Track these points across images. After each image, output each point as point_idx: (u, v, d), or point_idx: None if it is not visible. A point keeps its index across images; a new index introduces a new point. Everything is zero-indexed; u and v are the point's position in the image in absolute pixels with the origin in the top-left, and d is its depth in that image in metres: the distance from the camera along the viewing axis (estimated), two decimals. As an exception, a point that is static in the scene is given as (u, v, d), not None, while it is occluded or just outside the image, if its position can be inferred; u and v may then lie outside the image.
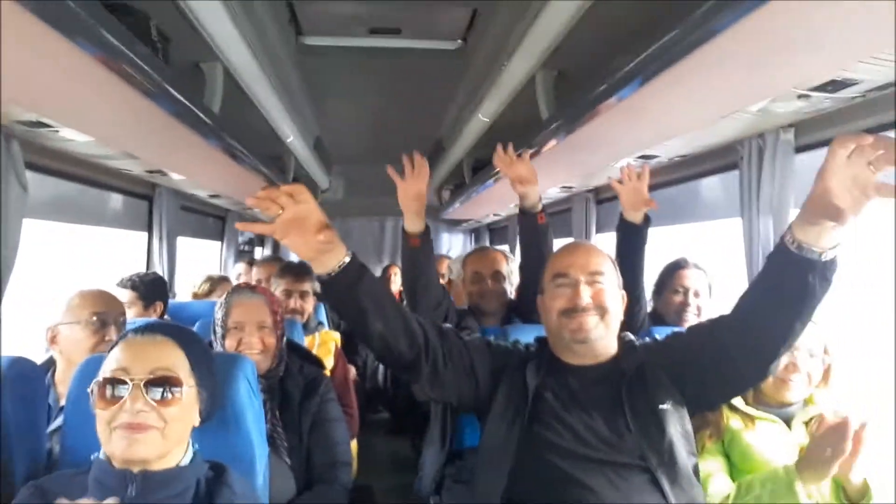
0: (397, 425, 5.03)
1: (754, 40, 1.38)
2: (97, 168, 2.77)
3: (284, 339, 2.01)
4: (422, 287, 2.23)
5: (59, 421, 1.73)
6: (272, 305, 1.96)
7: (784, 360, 1.63)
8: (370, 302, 1.41)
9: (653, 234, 2.22)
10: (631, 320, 1.99)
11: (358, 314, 1.42)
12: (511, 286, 2.58)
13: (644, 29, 1.62)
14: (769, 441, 1.65)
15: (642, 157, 2.66)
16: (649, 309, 2.45)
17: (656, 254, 2.43)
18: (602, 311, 1.53)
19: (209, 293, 3.80)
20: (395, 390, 4.77)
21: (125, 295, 2.85)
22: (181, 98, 1.88)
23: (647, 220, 2.20)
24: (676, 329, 1.74)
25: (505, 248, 4.77)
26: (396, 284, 6.32)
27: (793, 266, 1.28)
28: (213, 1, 1.68)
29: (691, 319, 2.33)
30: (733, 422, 1.70)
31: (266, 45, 2.43)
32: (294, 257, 4.64)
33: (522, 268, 2.42)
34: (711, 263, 2.51)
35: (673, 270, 2.44)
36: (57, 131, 2.05)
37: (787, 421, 1.70)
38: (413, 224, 2.18)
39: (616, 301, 1.58)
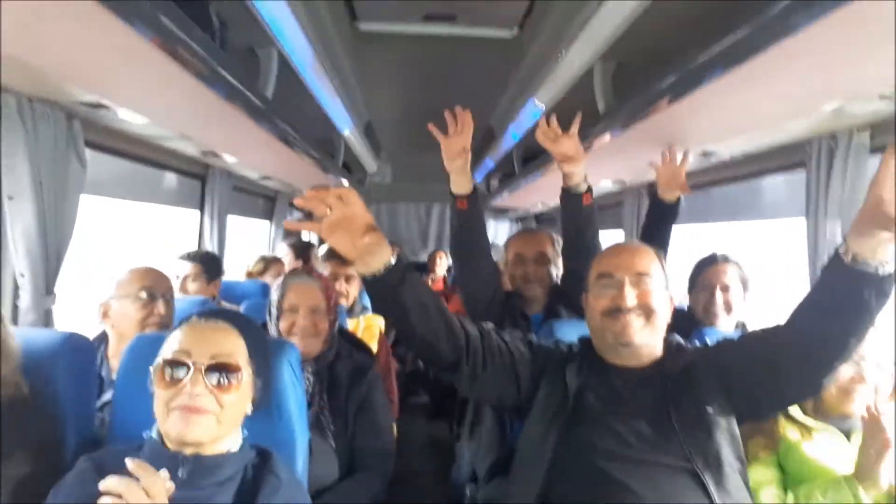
0: (436, 409, 5.06)
1: (834, 39, 1.30)
2: (153, 147, 2.82)
3: (336, 324, 2.02)
4: (471, 255, 2.16)
5: (109, 394, 1.78)
6: (326, 291, 1.99)
7: (850, 370, 1.57)
8: (413, 303, 1.41)
9: (709, 229, 2.16)
10: None
11: (400, 315, 1.42)
12: (557, 270, 2.43)
13: (709, 23, 1.55)
14: (828, 452, 1.59)
15: (702, 153, 2.56)
16: (684, 307, 2.41)
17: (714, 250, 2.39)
18: (648, 312, 1.50)
19: (263, 272, 3.90)
20: (435, 374, 4.79)
21: (189, 268, 2.96)
22: (235, 83, 1.89)
23: (678, 200, 2.34)
24: (725, 334, 1.69)
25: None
26: (442, 269, 6.34)
27: (847, 279, 1.24)
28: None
29: (720, 315, 2.26)
30: (790, 432, 1.64)
31: (320, 30, 2.41)
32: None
33: (564, 253, 2.30)
34: (774, 263, 2.42)
35: (702, 267, 2.38)
36: (115, 112, 2.09)
37: (848, 434, 1.63)
38: (459, 185, 2.10)
39: (663, 302, 1.53)
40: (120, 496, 1.05)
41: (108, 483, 1.06)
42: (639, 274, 1.53)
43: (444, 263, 6.32)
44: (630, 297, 1.50)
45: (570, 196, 2.15)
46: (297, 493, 1.33)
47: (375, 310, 1.54)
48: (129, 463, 1.08)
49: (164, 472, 1.11)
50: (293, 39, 2.13)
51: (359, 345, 2.23)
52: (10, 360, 1.39)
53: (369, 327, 2.99)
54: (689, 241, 3.12)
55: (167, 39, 1.44)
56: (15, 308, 2.00)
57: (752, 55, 1.41)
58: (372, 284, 1.39)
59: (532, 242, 2.42)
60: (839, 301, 1.27)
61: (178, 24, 1.44)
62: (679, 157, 2.38)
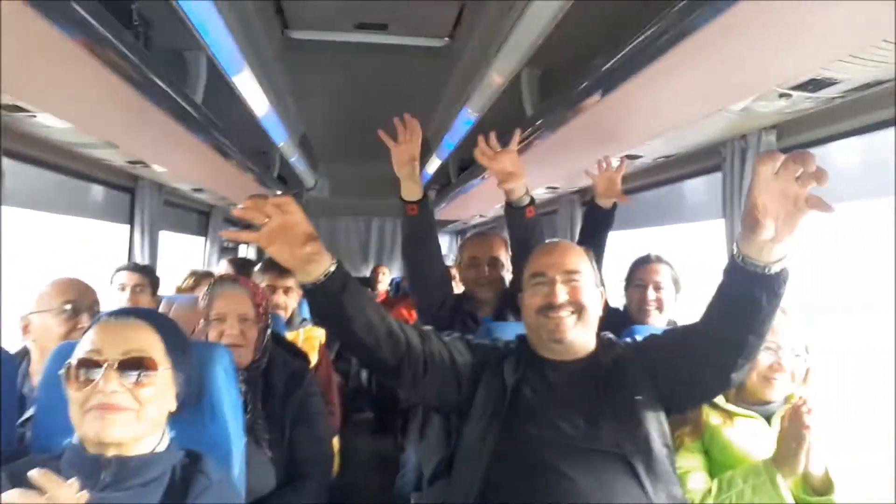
0: (380, 424, 5.03)
1: (733, 37, 1.39)
2: (77, 157, 2.73)
3: (269, 331, 1.99)
4: (422, 260, 2.18)
5: (32, 410, 1.71)
6: (255, 297, 1.94)
7: (769, 359, 1.66)
8: (355, 310, 1.41)
9: (637, 235, 2.25)
10: None
11: (342, 322, 1.42)
12: (509, 274, 2.46)
13: (626, 27, 1.62)
14: (749, 437, 1.66)
15: (626, 157, 2.67)
16: (621, 306, 2.50)
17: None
18: (579, 308, 1.55)
19: (193, 288, 3.79)
20: (379, 390, 4.76)
21: (137, 278, 2.85)
22: (163, 86, 1.86)
23: (613, 207, 2.40)
24: (654, 330, 1.76)
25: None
26: (384, 284, 6.31)
27: (740, 279, 1.30)
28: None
29: (653, 313, 2.36)
30: (713, 418, 1.71)
31: (250, 36, 2.40)
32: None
33: (512, 261, 2.34)
34: (698, 265, 2.53)
35: (637, 266, 2.47)
36: (34, 116, 2.02)
37: (768, 418, 1.71)
38: (409, 191, 2.13)
39: (593, 298, 1.59)
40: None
41: (9, 496, 1.01)
42: (568, 272, 1.58)
43: (386, 279, 6.30)
44: (561, 294, 1.54)
45: (513, 209, 2.20)
46: (229, 495, 1.30)
47: (316, 318, 1.54)
48: (33, 473, 1.02)
49: (73, 481, 1.05)
50: (222, 44, 2.11)
51: (294, 351, 2.20)
52: None
53: (309, 339, 2.93)
54: (622, 245, 3.23)
55: (90, 37, 1.41)
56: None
57: (659, 55, 1.49)
58: (313, 293, 1.39)
59: (486, 245, 2.46)
60: (735, 300, 1.34)
61: (101, 21, 1.41)
62: (615, 163, 2.45)
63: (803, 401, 1.49)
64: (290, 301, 3.01)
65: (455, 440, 2.12)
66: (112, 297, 2.77)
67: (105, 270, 2.99)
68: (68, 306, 1.95)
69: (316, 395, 2.01)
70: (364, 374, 4.88)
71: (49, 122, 2.13)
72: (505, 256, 2.43)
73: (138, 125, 2.26)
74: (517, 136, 2.14)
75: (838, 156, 1.99)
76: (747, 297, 1.30)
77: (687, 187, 2.95)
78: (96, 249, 3.81)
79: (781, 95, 1.71)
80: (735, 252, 1.29)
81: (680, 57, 1.49)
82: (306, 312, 3.61)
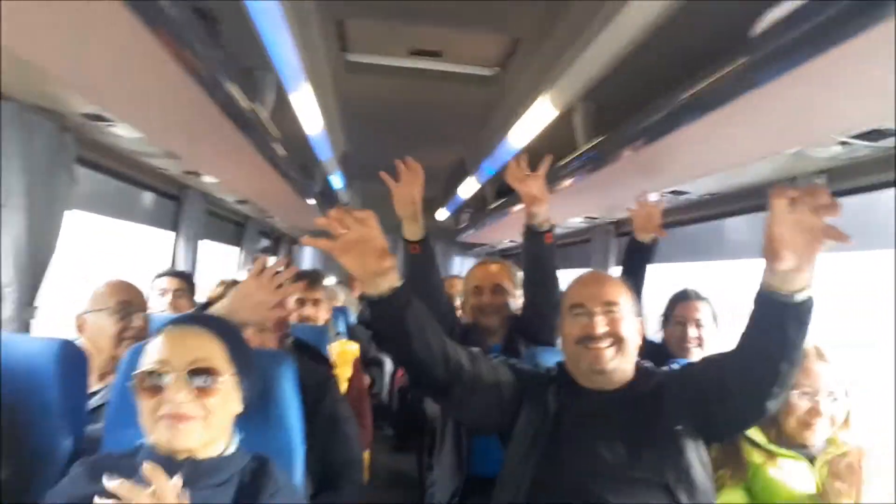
0: (402, 442, 5.02)
1: (797, 90, 1.42)
2: (136, 165, 2.83)
3: (288, 339, 2.01)
4: (425, 297, 2.19)
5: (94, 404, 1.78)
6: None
7: (806, 404, 1.67)
8: (415, 327, 1.45)
9: (678, 268, 2.27)
10: None
11: (402, 337, 1.46)
12: (515, 301, 2.42)
13: (689, 69, 1.68)
14: (793, 477, 1.66)
15: (672, 192, 2.70)
16: (658, 340, 2.51)
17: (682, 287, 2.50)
18: (618, 339, 1.57)
19: (223, 296, 3.85)
20: (401, 407, 4.76)
21: (176, 283, 2.94)
22: (236, 96, 1.94)
23: (654, 241, 2.40)
24: (691, 361, 1.78)
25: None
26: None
27: (767, 308, 1.34)
28: (274, 7, 1.74)
29: (693, 350, 2.36)
30: (755, 458, 1.72)
31: (313, 57, 2.50)
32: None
33: (525, 287, 2.32)
34: (739, 302, 2.54)
35: (675, 302, 2.48)
36: (113, 125, 2.11)
37: (811, 461, 1.71)
38: (411, 231, 2.15)
39: (632, 329, 1.61)
40: (127, 499, 1.04)
41: (114, 485, 1.04)
42: (608, 303, 1.60)
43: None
44: (600, 326, 1.56)
45: (533, 234, 2.19)
46: (295, 499, 1.34)
47: (377, 331, 1.58)
48: (146, 466, 1.07)
49: (177, 478, 1.10)
50: (287, 63, 2.20)
51: (317, 356, 2.22)
52: None
53: (343, 353, 2.99)
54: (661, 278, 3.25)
55: (181, 44, 1.48)
56: (-5, 318, 1.98)
57: (718, 104, 1.54)
58: (377, 306, 1.43)
59: (489, 273, 2.45)
60: (764, 329, 1.37)
61: (193, 33, 1.50)
62: (654, 199, 2.46)
63: (859, 454, 1.50)
64: (319, 313, 3.05)
65: (469, 467, 2.17)
66: (153, 300, 2.83)
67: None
68: (121, 307, 2.01)
69: (343, 401, 2.03)
70: (385, 392, 4.89)
71: (122, 132, 2.22)
72: (509, 283, 2.41)
73: (203, 137, 2.35)
74: (547, 162, 2.16)
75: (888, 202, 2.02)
76: (775, 326, 1.33)
77: (729, 224, 2.98)
78: (137, 255, 3.90)
79: (841, 143, 1.74)
80: (762, 283, 1.33)
81: (739, 107, 1.54)
82: (341, 326, 3.68)
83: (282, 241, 6.56)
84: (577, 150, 2.56)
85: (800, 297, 1.29)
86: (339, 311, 4.02)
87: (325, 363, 2.21)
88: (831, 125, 1.59)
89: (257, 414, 1.44)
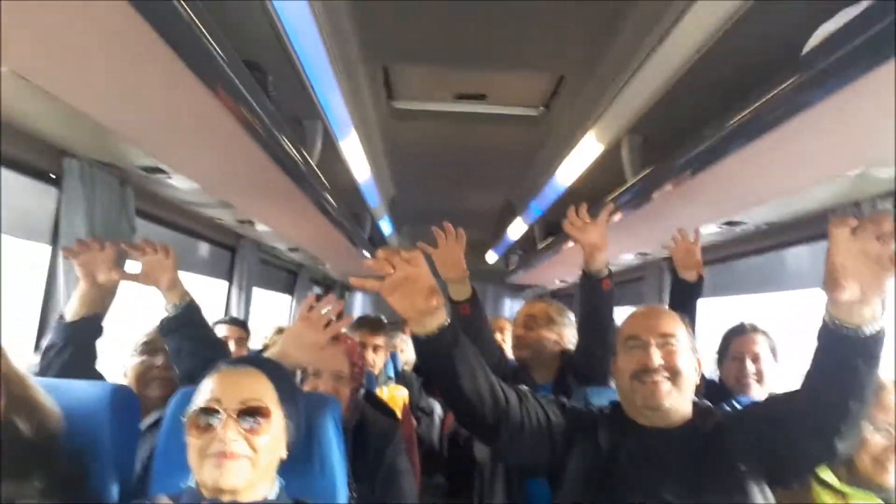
0: (454, 488, 4.91)
1: (851, 107, 1.37)
2: (193, 217, 2.93)
3: (362, 391, 2.01)
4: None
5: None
6: (352, 356, 1.96)
7: (882, 441, 1.56)
8: (464, 366, 1.44)
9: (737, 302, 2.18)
10: None
11: (450, 376, 1.45)
12: (560, 338, 2.41)
13: (736, 95, 1.64)
14: None
15: (727, 223, 2.63)
16: (716, 377, 2.42)
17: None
18: (674, 373, 1.52)
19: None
20: (452, 452, 4.68)
21: (236, 332, 3.01)
22: (287, 147, 1.99)
23: (700, 280, 2.34)
24: (752, 398, 1.69)
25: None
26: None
27: (833, 342, 1.27)
28: (320, 58, 1.81)
29: (753, 385, 2.25)
30: (826, 499, 1.60)
31: (360, 105, 2.57)
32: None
33: (580, 331, 2.29)
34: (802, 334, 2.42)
35: (731, 337, 2.38)
36: (169, 177, 2.20)
37: (887, 502, 1.59)
38: (459, 292, 2.16)
39: (689, 364, 1.56)
40: None
41: None
42: (664, 335, 1.56)
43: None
44: (656, 358, 1.52)
45: (590, 280, 2.16)
46: None
47: (425, 370, 1.57)
48: None
49: None
50: (336, 112, 2.26)
51: (384, 409, 2.22)
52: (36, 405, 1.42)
53: (393, 398, 2.98)
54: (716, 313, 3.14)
55: (238, 102, 1.54)
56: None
57: (769, 129, 1.49)
58: (426, 345, 1.43)
59: (533, 311, 2.46)
60: (831, 364, 1.30)
61: (248, 89, 1.55)
62: (691, 235, 2.40)
63: None
64: (378, 359, 3.08)
65: None
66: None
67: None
68: (146, 347, 2.05)
69: (403, 454, 2.01)
70: (436, 438, 4.82)
71: (178, 184, 2.31)
72: (545, 319, 2.40)
73: (255, 186, 2.42)
74: (608, 209, 2.13)
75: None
76: (842, 360, 1.26)
77: (790, 254, 2.86)
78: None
79: (901, 164, 1.66)
80: (826, 316, 1.26)
81: (791, 130, 1.48)
82: (391, 371, 3.66)
83: (334, 288, 6.65)
84: (626, 184, 2.52)
85: (868, 331, 1.22)
86: (389, 356, 4.01)
87: (391, 414, 2.19)
88: (892, 142, 1.52)
89: (301, 458, 1.44)
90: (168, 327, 1.88)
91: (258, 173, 2.11)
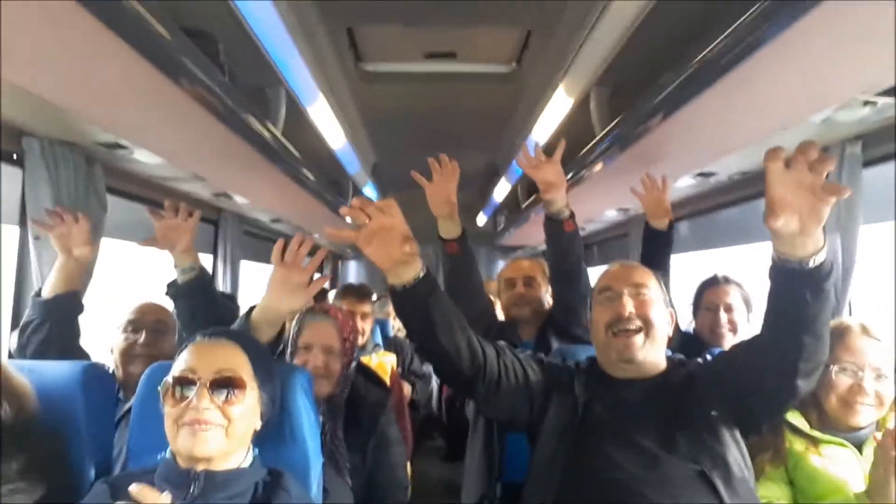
0: (451, 452, 5.01)
1: (808, 45, 1.36)
2: (168, 191, 2.91)
3: (351, 365, 2.01)
4: (464, 295, 2.18)
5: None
6: (342, 331, 1.96)
7: (847, 381, 1.59)
8: (440, 316, 1.45)
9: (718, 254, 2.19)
10: None
11: (426, 327, 1.46)
12: (547, 298, 2.44)
13: (697, 40, 1.61)
14: (839, 465, 1.56)
15: (701, 174, 2.61)
16: (691, 330, 2.45)
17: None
18: (647, 323, 1.55)
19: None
20: (450, 417, 4.76)
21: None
22: (248, 120, 1.97)
23: (671, 227, 2.35)
24: (722, 350, 1.71)
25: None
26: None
27: (781, 278, 1.29)
28: (276, 24, 1.76)
29: (726, 335, 2.29)
30: (797, 445, 1.62)
31: (326, 69, 2.52)
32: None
33: (552, 280, 2.32)
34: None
35: (704, 289, 2.41)
36: (132, 152, 2.17)
37: (860, 446, 1.61)
38: (448, 229, 2.15)
39: (661, 315, 1.58)
40: None
41: None
42: (636, 285, 1.59)
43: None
44: (629, 306, 1.55)
45: (552, 223, 2.17)
46: None
47: (402, 321, 1.58)
48: (132, 488, 1.11)
49: (166, 494, 1.13)
50: (300, 79, 2.22)
51: (375, 380, 2.24)
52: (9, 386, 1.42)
53: (381, 365, 3.01)
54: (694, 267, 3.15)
55: (184, 76, 1.52)
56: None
57: (730, 68, 1.47)
58: (402, 296, 1.44)
59: (520, 268, 2.47)
60: (782, 302, 1.32)
61: (195, 61, 1.52)
62: (660, 182, 2.41)
63: (891, 429, 1.40)
64: (365, 326, 3.09)
65: (500, 470, 2.12)
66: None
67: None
68: (130, 326, 2.05)
69: (394, 424, 2.04)
70: (435, 402, 4.89)
71: (144, 158, 2.28)
72: (542, 278, 2.42)
73: (224, 158, 2.39)
74: (562, 147, 2.12)
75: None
76: (791, 295, 1.28)
77: (763, 204, 2.85)
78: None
79: (866, 103, 1.64)
80: (773, 254, 1.28)
81: (752, 68, 1.47)
82: (379, 338, 3.69)
83: (326, 258, 6.65)
84: (596, 138, 2.49)
85: (812, 263, 1.23)
86: (377, 323, 4.04)
87: (381, 385, 2.21)
88: (852, 83, 1.50)
89: (274, 429, 1.45)
90: (181, 291, 1.89)
91: (221, 145, 2.09)
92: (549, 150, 2.15)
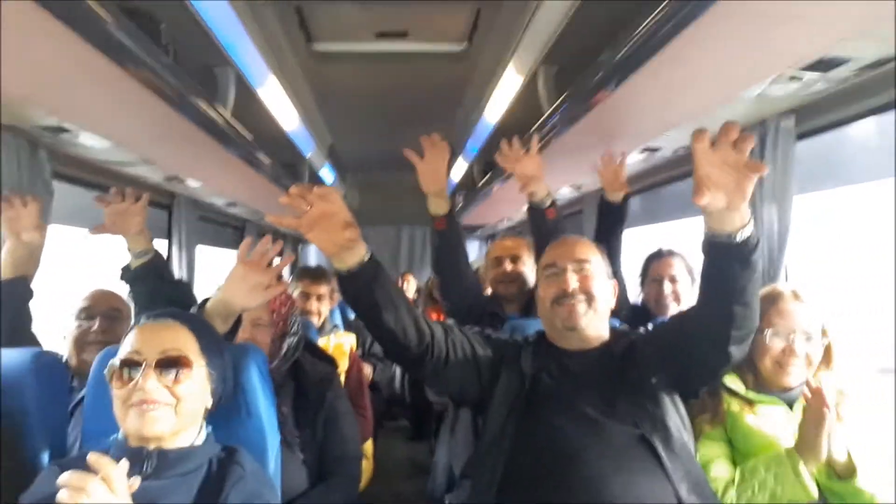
0: (415, 431, 5.08)
1: (737, 19, 1.41)
2: (117, 176, 2.85)
3: (294, 338, 2.01)
4: (452, 269, 2.25)
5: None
6: (271, 303, 1.94)
7: (780, 343, 1.67)
8: (384, 299, 1.49)
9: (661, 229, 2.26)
10: None
11: (372, 309, 1.49)
12: (532, 273, 2.47)
13: (636, 16, 1.66)
14: (772, 423, 1.65)
15: (647, 149, 2.68)
16: (639, 301, 2.54)
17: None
18: (589, 296, 1.61)
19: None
20: (413, 397, 4.81)
21: None
22: (195, 101, 1.94)
23: (625, 201, 2.41)
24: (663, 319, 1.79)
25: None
26: (410, 292, 6.31)
27: (711, 252, 1.36)
28: (221, 3, 1.74)
29: (671, 306, 2.38)
30: (733, 406, 1.71)
31: (276, 49, 2.49)
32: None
33: (538, 265, 2.38)
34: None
35: (649, 261, 2.51)
36: (77, 136, 2.13)
37: (791, 405, 1.70)
38: (437, 206, 2.18)
39: (604, 288, 1.65)
40: (79, 489, 1.07)
41: (65, 477, 1.08)
42: (579, 261, 1.65)
43: (411, 287, 6.28)
44: (573, 282, 1.61)
45: (535, 211, 2.26)
46: (264, 486, 1.36)
47: (348, 304, 1.60)
48: (90, 457, 1.11)
49: (123, 462, 1.14)
50: (248, 58, 2.20)
51: (320, 354, 2.26)
52: None
53: (339, 345, 3.02)
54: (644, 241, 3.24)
55: (123, 56, 1.50)
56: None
57: (665, 42, 1.52)
58: (347, 280, 1.47)
59: (508, 244, 2.53)
60: (712, 274, 1.39)
61: (133, 41, 1.50)
62: (618, 157, 2.47)
63: (819, 383, 1.49)
64: (322, 308, 3.09)
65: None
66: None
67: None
68: (82, 313, 2.02)
69: (343, 398, 2.05)
70: (398, 382, 4.93)
71: (90, 143, 2.24)
72: (528, 255, 2.48)
73: (172, 141, 2.36)
74: (536, 140, 2.19)
75: (858, 137, 1.99)
76: (721, 267, 1.36)
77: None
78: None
79: (792, 78, 1.71)
80: (704, 229, 1.35)
81: (685, 44, 1.52)
82: (337, 319, 3.70)
83: (286, 241, 6.59)
84: (544, 117, 2.54)
85: (739, 237, 1.30)
86: (338, 305, 4.04)
87: (328, 360, 2.23)
88: (778, 58, 1.57)
89: (228, 406, 1.47)
90: (136, 275, 1.88)
91: (169, 127, 2.06)
92: (502, 130, 2.19)
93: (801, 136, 2.13)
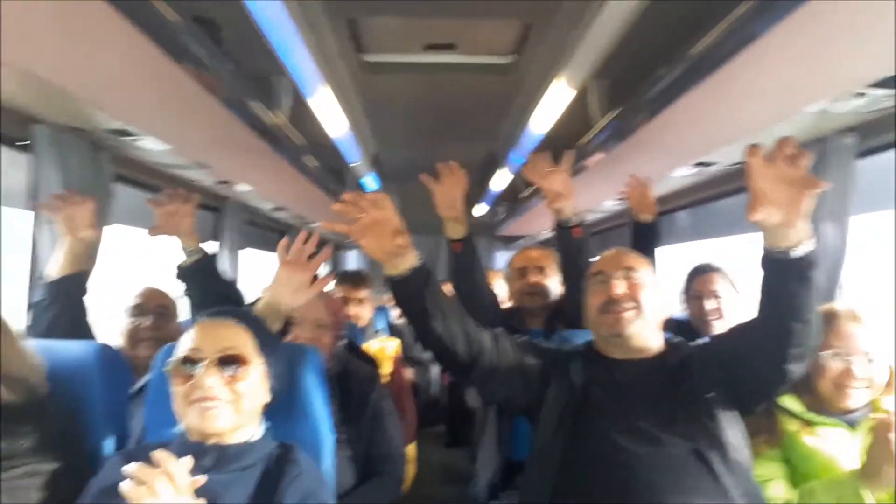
0: (453, 437, 5.04)
1: (800, 37, 1.39)
2: (172, 179, 2.94)
3: (344, 340, 2.07)
4: (468, 290, 2.25)
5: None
6: (330, 306, 2.03)
7: (839, 365, 1.62)
8: (434, 305, 1.50)
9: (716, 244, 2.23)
10: None
11: (422, 315, 1.51)
12: (556, 286, 2.48)
13: (695, 33, 1.65)
14: (832, 445, 1.61)
15: (700, 164, 2.64)
16: (684, 317, 2.51)
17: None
18: (637, 304, 1.59)
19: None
20: (451, 402, 4.78)
21: None
22: (253, 107, 1.99)
23: (654, 222, 2.45)
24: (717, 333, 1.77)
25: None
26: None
27: (769, 268, 1.34)
28: (279, 13, 1.79)
29: (714, 323, 2.35)
30: (790, 426, 1.67)
31: (328, 60, 2.54)
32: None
33: (563, 279, 2.36)
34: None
35: (691, 278, 2.48)
36: (138, 139, 2.20)
37: (852, 427, 1.65)
38: (454, 230, 2.20)
39: (653, 298, 1.62)
40: (145, 484, 1.11)
41: (131, 468, 1.13)
42: (627, 268, 1.64)
43: (449, 296, 6.26)
44: (620, 287, 1.60)
45: (562, 229, 2.23)
46: (319, 483, 1.39)
47: (399, 309, 1.62)
48: (155, 453, 1.15)
49: (187, 459, 1.18)
50: (302, 68, 2.25)
51: (364, 357, 2.30)
52: (24, 365, 1.47)
53: (383, 350, 3.05)
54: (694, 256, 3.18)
55: (192, 62, 1.55)
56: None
57: (725, 60, 1.51)
58: (397, 285, 1.50)
59: (532, 257, 2.51)
60: (770, 291, 1.37)
61: (200, 47, 1.55)
62: (645, 181, 2.49)
63: (888, 412, 1.45)
64: (363, 311, 3.13)
65: (509, 451, 2.18)
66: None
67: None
68: (135, 310, 2.11)
69: (387, 398, 2.10)
70: (436, 388, 4.92)
71: (150, 146, 2.31)
72: (552, 267, 2.45)
73: (228, 146, 2.42)
74: (570, 158, 2.18)
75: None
76: (779, 284, 1.34)
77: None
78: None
79: (857, 95, 1.67)
80: (763, 245, 1.33)
81: (746, 61, 1.51)
82: (381, 324, 3.73)
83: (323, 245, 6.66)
84: (595, 130, 2.53)
85: (797, 253, 1.28)
86: (380, 310, 4.08)
87: (369, 360, 2.27)
88: (843, 75, 1.54)
89: (285, 405, 1.50)
90: (188, 273, 1.96)
91: (225, 132, 2.12)
92: (549, 142, 2.18)
93: (864, 153, 2.08)
